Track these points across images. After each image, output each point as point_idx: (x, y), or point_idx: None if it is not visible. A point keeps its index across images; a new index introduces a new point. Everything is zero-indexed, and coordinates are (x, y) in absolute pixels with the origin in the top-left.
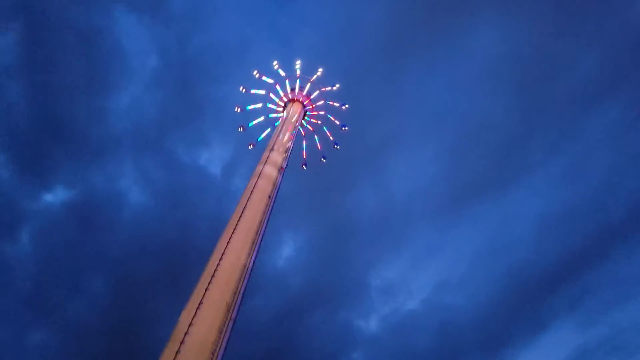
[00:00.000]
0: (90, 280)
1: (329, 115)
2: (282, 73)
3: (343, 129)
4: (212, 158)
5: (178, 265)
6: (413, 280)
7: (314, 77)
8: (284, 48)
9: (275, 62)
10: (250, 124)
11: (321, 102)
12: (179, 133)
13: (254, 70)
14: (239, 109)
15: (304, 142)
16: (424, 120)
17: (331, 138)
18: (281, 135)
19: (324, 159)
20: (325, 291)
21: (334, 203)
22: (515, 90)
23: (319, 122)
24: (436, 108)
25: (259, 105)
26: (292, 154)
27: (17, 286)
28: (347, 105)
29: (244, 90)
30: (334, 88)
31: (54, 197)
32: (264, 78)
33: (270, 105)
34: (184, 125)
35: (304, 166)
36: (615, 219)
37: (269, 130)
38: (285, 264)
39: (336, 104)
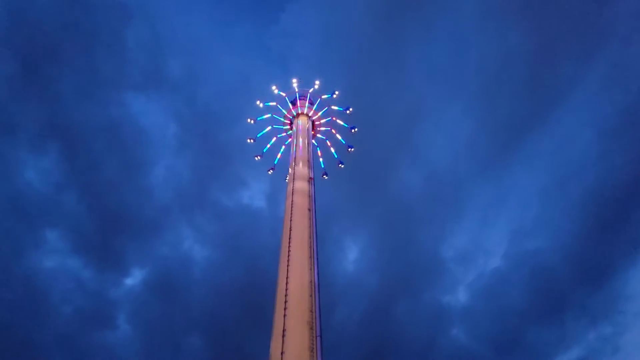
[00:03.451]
0: (188, 339)
1: (337, 120)
2: (282, 94)
3: (353, 131)
4: (253, 194)
5: (257, 300)
6: (486, 240)
7: (312, 89)
8: (281, 68)
9: (274, 87)
10: (265, 149)
11: (325, 109)
12: (216, 183)
13: (257, 101)
14: (251, 140)
15: (320, 153)
16: (440, 83)
17: (344, 142)
18: (298, 149)
19: (342, 164)
20: (403, 279)
21: (380, 194)
22: (524, 15)
23: (329, 128)
24: (446, 67)
25: (268, 128)
26: (311, 165)
27: None
28: (351, 109)
29: (252, 121)
30: (334, 96)
31: (133, 279)
32: (268, 103)
33: (278, 126)
34: (218, 174)
35: (324, 176)
36: None
37: (282, 149)
38: (355, 267)
39: (340, 109)
